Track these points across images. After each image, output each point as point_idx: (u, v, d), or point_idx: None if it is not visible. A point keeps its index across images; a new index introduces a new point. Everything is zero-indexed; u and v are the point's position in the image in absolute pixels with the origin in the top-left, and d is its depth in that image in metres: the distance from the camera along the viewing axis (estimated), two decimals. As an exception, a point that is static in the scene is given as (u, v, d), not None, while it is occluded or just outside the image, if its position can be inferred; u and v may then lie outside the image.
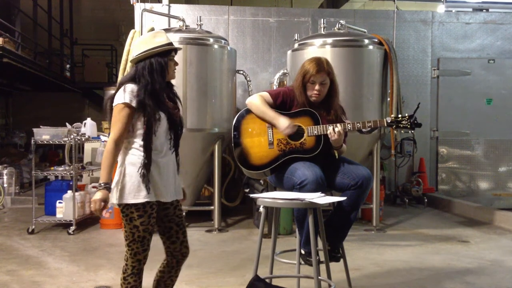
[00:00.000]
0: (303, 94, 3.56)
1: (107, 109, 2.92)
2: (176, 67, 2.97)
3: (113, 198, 2.81)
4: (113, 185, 2.82)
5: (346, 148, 3.70)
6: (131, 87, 2.79)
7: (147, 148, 2.78)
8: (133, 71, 2.88)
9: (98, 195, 2.72)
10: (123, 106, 2.77)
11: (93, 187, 6.98)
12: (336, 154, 3.57)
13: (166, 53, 2.87)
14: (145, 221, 2.80)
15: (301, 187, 3.30)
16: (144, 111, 2.77)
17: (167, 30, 6.30)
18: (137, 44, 2.93)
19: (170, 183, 2.89)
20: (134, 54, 2.89)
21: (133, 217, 2.79)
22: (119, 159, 2.86)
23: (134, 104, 2.77)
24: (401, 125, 3.52)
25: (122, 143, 2.80)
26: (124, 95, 2.77)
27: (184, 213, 6.84)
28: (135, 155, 2.80)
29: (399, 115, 3.57)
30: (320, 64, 3.53)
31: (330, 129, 3.44)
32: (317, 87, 3.52)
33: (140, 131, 2.80)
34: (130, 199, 2.77)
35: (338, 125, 3.46)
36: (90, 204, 2.74)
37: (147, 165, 2.77)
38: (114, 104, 2.81)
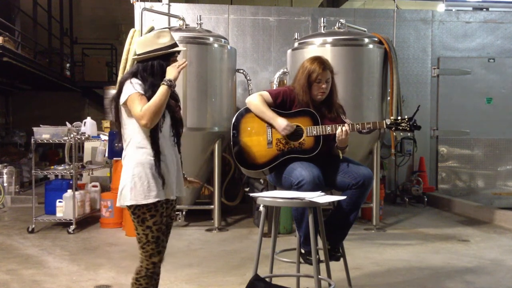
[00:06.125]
0: (307, 94, 3.57)
1: (111, 107, 2.90)
2: None
3: (124, 201, 2.78)
4: (122, 187, 2.80)
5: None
6: (137, 81, 2.77)
7: (155, 145, 2.76)
8: (134, 69, 2.86)
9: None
10: (140, 93, 2.72)
11: (93, 186, 6.99)
12: (341, 154, 3.57)
13: (168, 55, 2.84)
14: (157, 221, 2.78)
15: (298, 187, 3.30)
16: None
17: (167, 29, 6.30)
18: (140, 42, 2.89)
19: (173, 180, 2.88)
20: (137, 52, 2.87)
21: (146, 218, 2.77)
22: (126, 160, 2.82)
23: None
24: (401, 127, 3.53)
25: None
26: (133, 87, 2.74)
27: (184, 213, 6.87)
28: (142, 155, 2.77)
29: (399, 117, 3.59)
30: (324, 63, 3.59)
31: (339, 129, 3.45)
32: (324, 85, 3.56)
33: (145, 129, 2.77)
34: (141, 200, 2.74)
35: (346, 125, 3.47)
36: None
37: (157, 163, 2.75)
38: (126, 96, 2.74)
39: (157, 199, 2.76)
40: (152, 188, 2.75)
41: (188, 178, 3.15)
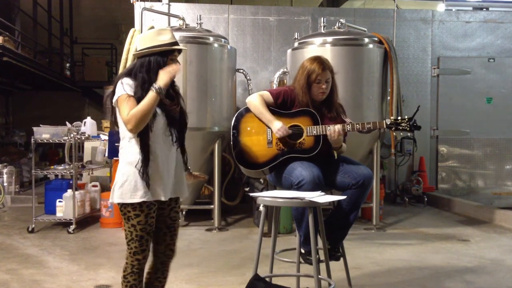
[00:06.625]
0: (307, 94, 3.56)
1: (106, 107, 2.92)
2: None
3: (112, 198, 2.82)
4: (113, 184, 2.83)
5: (346, 147, 3.70)
6: (127, 81, 2.77)
7: (144, 145, 2.76)
8: (132, 65, 2.87)
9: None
10: (128, 95, 2.73)
11: (93, 186, 6.99)
12: (336, 154, 3.57)
13: (167, 53, 2.84)
14: (141, 221, 2.78)
15: (298, 187, 3.30)
16: None
17: (167, 29, 6.30)
18: (141, 38, 2.89)
19: (169, 181, 2.87)
20: (137, 48, 2.87)
21: (130, 216, 2.79)
22: (119, 158, 2.85)
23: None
24: (401, 128, 3.53)
25: None
26: (123, 87, 2.75)
27: (184, 213, 6.85)
28: (132, 154, 2.78)
29: (399, 117, 3.58)
30: (324, 63, 3.57)
31: (330, 129, 3.45)
32: (323, 85, 3.55)
33: None
34: (127, 199, 2.76)
35: (337, 125, 3.46)
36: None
37: (144, 163, 2.75)
38: (116, 97, 2.76)
39: (142, 200, 2.75)
40: (139, 188, 2.75)
41: (193, 173, 3.16)
